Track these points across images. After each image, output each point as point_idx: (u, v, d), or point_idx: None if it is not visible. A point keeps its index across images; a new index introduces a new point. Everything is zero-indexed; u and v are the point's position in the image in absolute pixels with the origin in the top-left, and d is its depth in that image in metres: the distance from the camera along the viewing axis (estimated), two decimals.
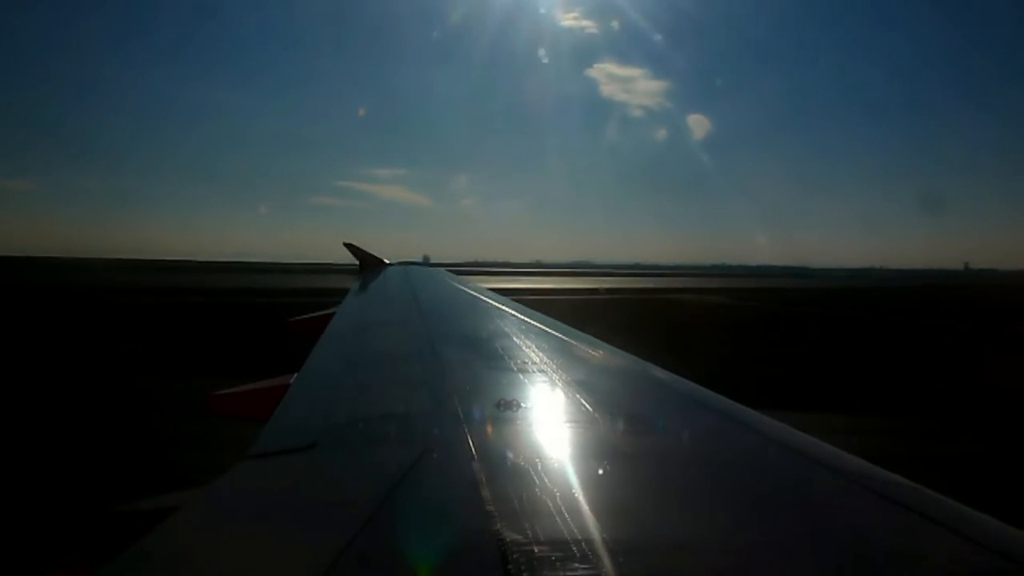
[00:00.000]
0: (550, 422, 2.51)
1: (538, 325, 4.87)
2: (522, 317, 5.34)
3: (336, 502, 1.79)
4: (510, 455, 1.99)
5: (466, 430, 2.22)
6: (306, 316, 7.46)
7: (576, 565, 1.32)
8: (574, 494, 1.69)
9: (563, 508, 1.58)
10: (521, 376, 3.12)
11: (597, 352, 3.99)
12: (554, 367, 3.35)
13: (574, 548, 1.38)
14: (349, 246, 14.52)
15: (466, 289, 8.27)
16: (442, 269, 14.54)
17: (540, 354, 3.67)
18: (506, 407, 2.56)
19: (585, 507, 1.61)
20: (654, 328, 31.65)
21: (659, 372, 3.44)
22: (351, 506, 1.71)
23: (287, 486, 1.99)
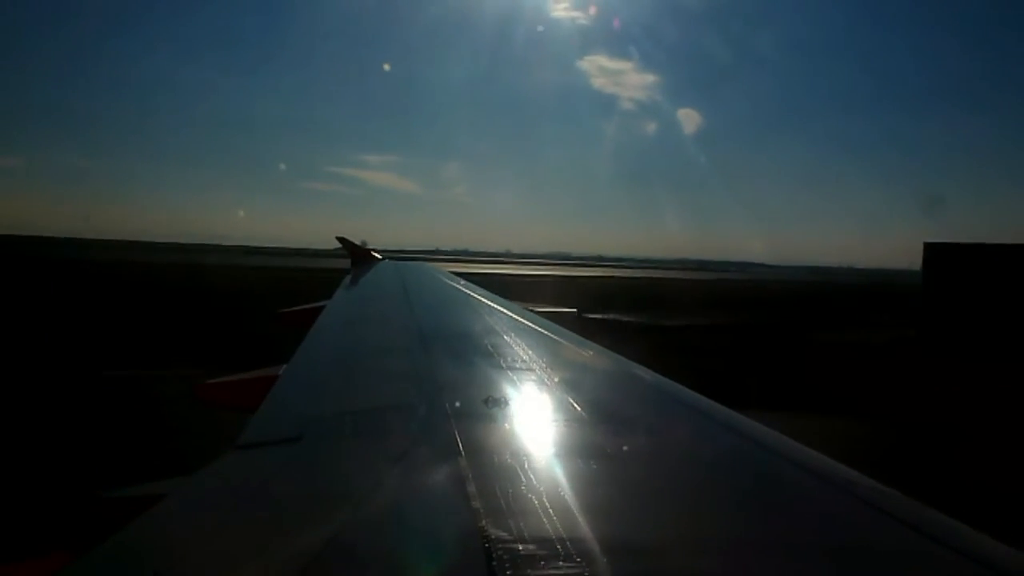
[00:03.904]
0: (537, 420, 2.52)
1: (528, 324, 4.88)
2: (513, 315, 5.35)
3: (321, 495, 1.80)
4: (497, 452, 1.99)
5: (453, 426, 2.22)
6: (297, 308, 7.45)
7: (560, 563, 1.33)
8: (560, 492, 1.70)
9: (548, 506, 1.58)
10: (510, 374, 3.13)
11: (586, 352, 4.00)
12: (543, 366, 3.36)
13: (559, 546, 1.39)
14: (341, 240, 14.46)
15: (457, 286, 8.26)
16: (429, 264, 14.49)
17: (529, 352, 3.68)
18: (494, 404, 2.57)
19: (570, 506, 1.62)
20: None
21: (647, 373, 3.45)
22: (336, 499, 1.72)
23: (273, 477, 2.00)
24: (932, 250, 45.41)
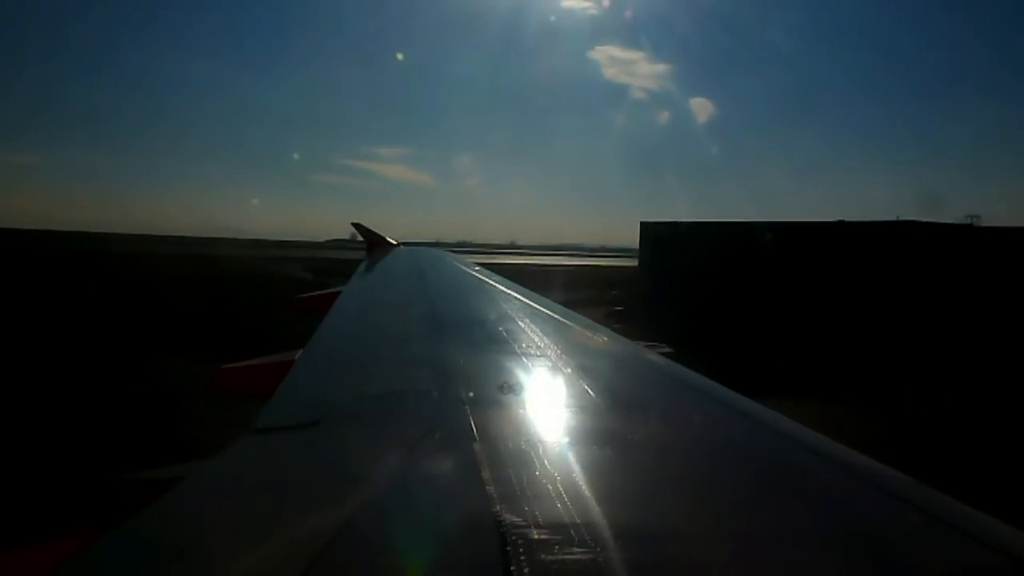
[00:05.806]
0: (552, 406, 2.52)
1: (544, 310, 4.86)
2: (528, 301, 5.33)
3: (338, 480, 1.80)
4: (511, 438, 1.99)
5: (468, 412, 2.22)
6: (315, 293, 7.48)
7: (575, 549, 1.32)
8: (574, 478, 1.69)
9: (563, 492, 1.58)
10: (524, 359, 3.12)
11: (601, 338, 3.99)
12: (558, 352, 3.35)
13: (573, 532, 1.38)
14: (357, 226, 14.46)
15: (473, 272, 8.25)
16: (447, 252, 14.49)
17: (544, 338, 3.67)
18: (509, 390, 2.57)
19: (585, 491, 1.61)
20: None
21: (662, 360, 3.44)
22: (352, 484, 1.72)
23: (290, 462, 2.01)
24: (644, 228, 47.25)
